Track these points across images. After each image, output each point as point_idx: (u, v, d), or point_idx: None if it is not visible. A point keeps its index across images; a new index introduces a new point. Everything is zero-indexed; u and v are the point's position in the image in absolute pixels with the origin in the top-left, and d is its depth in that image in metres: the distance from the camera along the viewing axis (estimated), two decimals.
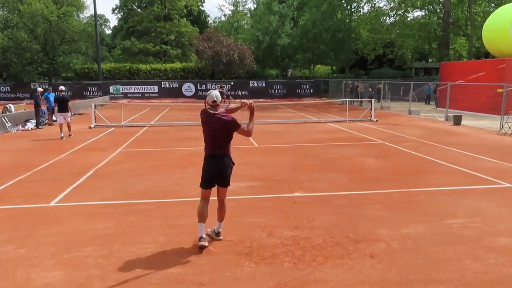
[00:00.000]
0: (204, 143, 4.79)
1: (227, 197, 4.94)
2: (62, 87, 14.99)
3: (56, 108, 14.09)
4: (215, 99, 4.62)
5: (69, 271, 4.17)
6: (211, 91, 4.77)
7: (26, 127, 16.27)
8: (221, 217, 4.94)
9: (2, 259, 4.47)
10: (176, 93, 35.95)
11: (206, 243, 4.69)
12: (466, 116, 18.20)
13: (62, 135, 13.39)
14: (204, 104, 4.69)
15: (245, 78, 39.09)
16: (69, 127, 13.86)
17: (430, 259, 4.37)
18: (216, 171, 4.71)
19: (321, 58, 45.19)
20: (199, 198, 4.85)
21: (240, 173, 8.41)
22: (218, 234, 4.96)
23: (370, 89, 29.13)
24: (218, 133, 4.65)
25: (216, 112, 4.62)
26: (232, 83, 33.68)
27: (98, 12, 55.45)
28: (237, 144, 12.12)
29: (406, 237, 4.98)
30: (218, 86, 32.96)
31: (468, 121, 17.31)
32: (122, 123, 17.36)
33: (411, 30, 35.07)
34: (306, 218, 5.64)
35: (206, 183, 4.74)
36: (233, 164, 4.84)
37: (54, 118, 18.34)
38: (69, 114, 14.09)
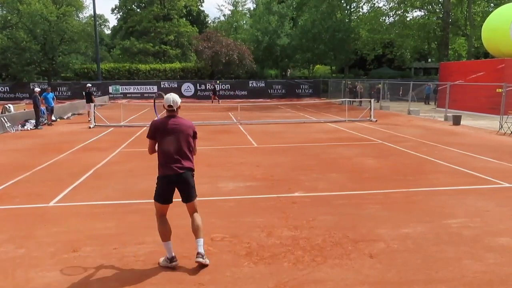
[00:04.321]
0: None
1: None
2: (89, 84, 21.62)
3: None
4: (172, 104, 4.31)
5: (69, 271, 4.16)
6: (168, 94, 4.46)
7: (25, 127, 16.25)
8: (197, 233, 4.32)
9: (1, 259, 4.47)
10: (176, 93, 35.84)
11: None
12: (466, 116, 18.21)
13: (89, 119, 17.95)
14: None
15: (244, 78, 39.10)
16: (89, 114, 18.21)
17: (429, 259, 4.37)
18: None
19: (321, 58, 45.21)
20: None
21: (240, 173, 8.43)
22: (198, 254, 4.24)
23: (359, 90, 28.88)
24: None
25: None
26: (220, 84, 33.51)
27: (98, 12, 55.50)
28: (237, 144, 12.16)
29: (405, 237, 4.98)
30: (211, 85, 33.08)
31: (468, 121, 17.32)
32: (122, 123, 17.34)
33: (410, 30, 35.08)
34: (306, 218, 5.64)
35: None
36: None
37: (53, 118, 18.38)
38: (92, 104, 18.07)
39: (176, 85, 36.38)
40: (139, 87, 36.32)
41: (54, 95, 19.24)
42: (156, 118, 4.43)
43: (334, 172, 8.49)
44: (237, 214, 5.88)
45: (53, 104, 17.84)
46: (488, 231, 5.16)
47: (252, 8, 50.80)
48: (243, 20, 51.77)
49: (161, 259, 4.29)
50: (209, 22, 57.34)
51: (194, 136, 4.39)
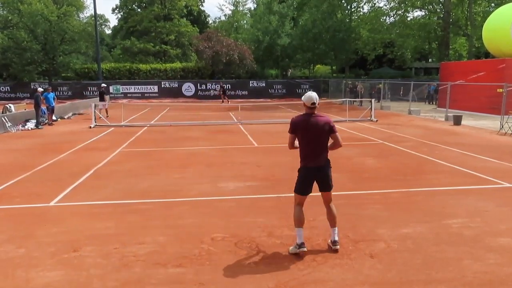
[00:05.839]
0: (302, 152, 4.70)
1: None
2: (103, 84, 23.77)
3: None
4: (315, 101, 4.43)
5: (68, 271, 4.16)
6: (308, 92, 4.51)
7: (26, 127, 16.26)
8: (333, 223, 4.67)
9: (1, 259, 4.47)
10: (176, 93, 35.94)
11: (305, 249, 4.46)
12: (466, 116, 18.19)
13: (107, 115, 19.22)
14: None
15: (245, 78, 39.10)
16: (106, 111, 19.79)
17: (430, 259, 4.37)
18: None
19: (321, 58, 45.16)
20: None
21: (240, 173, 8.43)
22: (334, 243, 4.61)
23: (360, 90, 28.87)
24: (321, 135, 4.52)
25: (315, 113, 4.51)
26: (224, 85, 33.30)
27: (98, 12, 55.46)
28: (237, 144, 12.16)
29: (406, 237, 4.98)
30: (218, 86, 32.88)
31: (468, 121, 17.31)
32: (122, 123, 17.35)
33: (411, 30, 35.05)
34: (306, 218, 5.60)
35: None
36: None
37: (54, 117, 18.39)
38: (106, 102, 20.23)
39: (176, 85, 36.39)
40: (139, 87, 36.32)
41: (55, 94, 19.26)
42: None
43: (334, 172, 8.34)
44: (237, 214, 5.88)
45: (53, 104, 17.85)
46: (488, 231, 5.16)
47: (252, 8, 50.83)
48: (244, 20, 51.79)
49: (291, 248, 4.54)
50: (209, 22, 57.38)
51: (331, 130, 4.55)
